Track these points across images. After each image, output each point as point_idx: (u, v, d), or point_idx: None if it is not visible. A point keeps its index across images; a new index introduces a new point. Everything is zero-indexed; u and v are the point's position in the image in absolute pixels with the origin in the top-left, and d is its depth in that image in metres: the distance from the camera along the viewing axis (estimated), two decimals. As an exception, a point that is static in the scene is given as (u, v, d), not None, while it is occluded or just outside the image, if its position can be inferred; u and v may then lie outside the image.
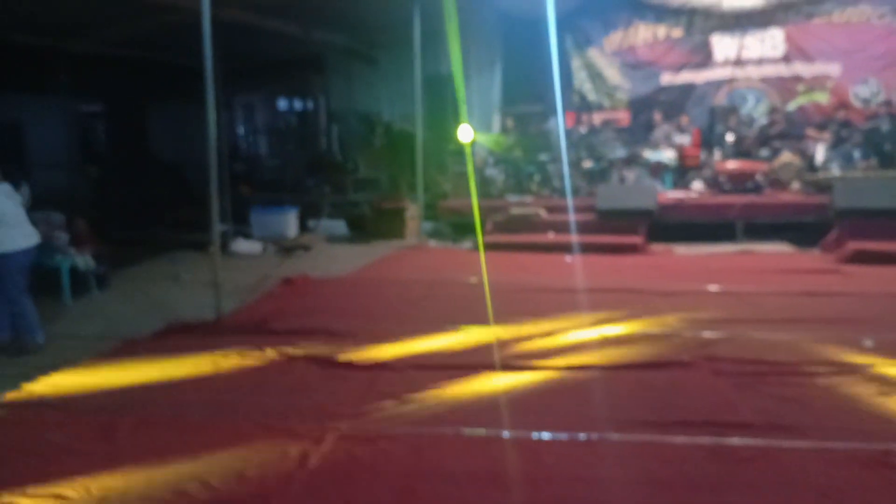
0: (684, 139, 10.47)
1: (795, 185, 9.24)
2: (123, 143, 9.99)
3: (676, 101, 11.40)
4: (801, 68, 10.81)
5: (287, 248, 9.11)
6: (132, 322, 5.71)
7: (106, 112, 10.99)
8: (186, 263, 8.27)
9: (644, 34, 11.55)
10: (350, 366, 4.39)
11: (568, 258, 7.92)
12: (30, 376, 4.39)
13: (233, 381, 4.23)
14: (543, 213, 9.22)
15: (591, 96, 11.90)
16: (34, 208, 5.78)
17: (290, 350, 4.69)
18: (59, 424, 3.63)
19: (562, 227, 8.75)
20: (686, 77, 11.41)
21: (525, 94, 11.68)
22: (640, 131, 11.18)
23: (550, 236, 8.73)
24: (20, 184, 5.52)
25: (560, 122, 10.23)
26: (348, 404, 3.78)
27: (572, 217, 8.90)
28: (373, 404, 3.76)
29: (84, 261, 6.64)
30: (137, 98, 10.25)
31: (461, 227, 9.73)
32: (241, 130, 15.44)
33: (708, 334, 4.78)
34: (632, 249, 8.19)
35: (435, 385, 4.03)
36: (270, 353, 4.65)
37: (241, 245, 9.12)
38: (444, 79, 11.57)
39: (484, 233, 9.10)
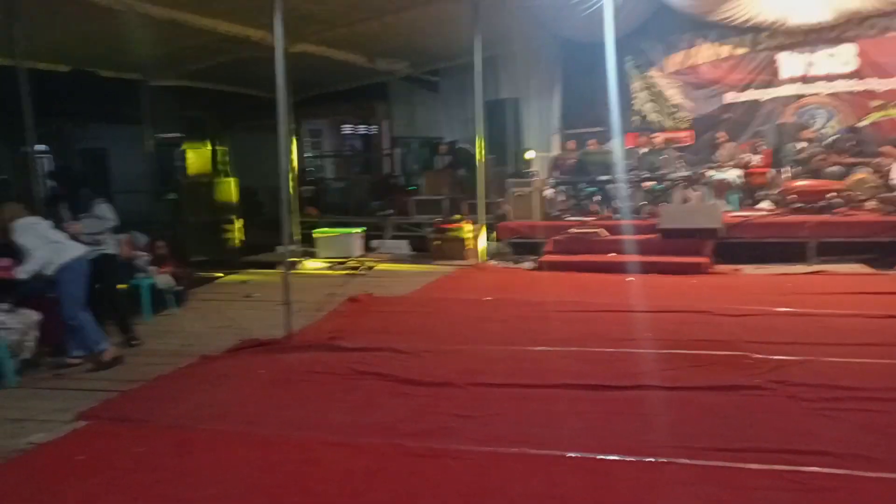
0: (754, 158, 10.22)
1: (871, 203, 8.86)
2: (200, 169, 10.49)
3: (741, 120, 11.16)
4: (875, 84, 10.40)
5: (352, 268, 9.34)
6: (207, 339, 5.97)
7: (185, 140, 11.60)
8: (257, 283, 8.60)
9: (706, 53, 11.38)
10: (414, 383, 4.46)
11: (629, 278, 7.82)
12: (108, 391, 4.67)
13: (301, 397, 4.38)
14: (604, 233, 9.15)
15: (652, 116, 11.79)
16: (119, 230, 6.16)
17: (357, 367, 4.81)
18: (136, 438, 3.81)
19: (623, 248, 8.66)
20: (751, 95, 11.16)
21: (584, 116, 11.68)
22: (703, 150, 10.99)
23: (611, 256, 8.65)
24: (91, 205, 5.85)
25: (617, 143, 10.17)
26: (412, 421, 3.85)
27: (634, 237, 8.81)
28: (436, 421, 3.82)
29: (164, 280, 7.01)
30: (213, 127, 10.78)
31: (521, 248, 9.76)
32: (308, 155, 15.96)
33: (780, 357, 4.63)
34: (696, 270, 8.02)
35: (499, 403, 4.07)
36: (338, 370, 4.78)
37: (309, 265, 9.41)
38: (504, 103, 11.70)
39: (544, 253, 9.11)
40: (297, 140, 14.65)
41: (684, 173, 9.99)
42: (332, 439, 3.63)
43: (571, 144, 11.44)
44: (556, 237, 9.32)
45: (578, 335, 5.45)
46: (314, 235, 10.57)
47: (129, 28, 7.45)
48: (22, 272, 4.90)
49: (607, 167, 10.18)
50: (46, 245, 4.96)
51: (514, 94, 12.12)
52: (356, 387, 4.49)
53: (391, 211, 11.95)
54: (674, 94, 11.67)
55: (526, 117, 12.22)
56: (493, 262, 9.49)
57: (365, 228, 10.89)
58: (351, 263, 9.55)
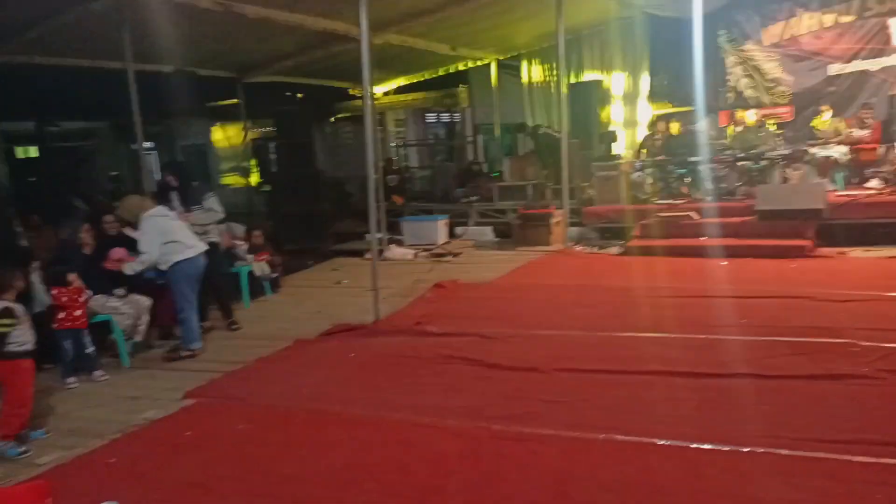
0: (862, 134, 9.54)
1: None
2: (292, 161, 10.90)
3: (847, 93, 10.42)
4: None
5: (437, 255, 9.47)
6: (301, 323, 6.23)
7: (277, 133, 12.09)
8: (346, 270, 8.87)
9: (808, 23, 10.69)
10: (500, 367, 4.50)
11: (723, 263, 7.51)
12: (214, 371, 4.97)
13: (391, 380, 4.51)
14: (695, 216, 8.82)
15: (748, 92, 11.22)
16: (221, 221, 6.50)
17: (444, 351, 4.90)
18: (239, 415, 4.06)
19: (716, 231, 8.32)
20: (859, 66, 10.38)
21: (674, 95, 11.26)
22: (804, 127, 10.35)
23: (704, 240, 8.32)
24: (202, 198, 6.16)
25: (710, 121, 9.74)
26: (499, 405, 3.89)
27: (728, 220, 8.43)
28: (523, 406, 3.84)
29: (260, 268, 7.36)
30: (305, 119, 11.15)
31: (607, 232, 9.57)
32: (393, 144, 16.24)
33: (890, 345, 4.34)
34: (797, 253, 7.59)
35: (586, 389, 4.04)
36: (426, 354, 4.89)
37: (395, 252, 9.61)
38: (589, 85, 11.45)
39: (631, 237, 8.89)
40: (384, 129, 14.97)
41: (784, 151, 9.45)
42: (422, 421, 3.72)
43: (661, 125, 11.06)
44: (644, 221, 9.06)
45: (670, 321, 5.30)
46: (400, 223, 10.79)
47: (225, 28, 7.83)
48: (129, 269, 5.26)
49: (699, 147, 9.78)
50: (163, 244, 5.20)
51: (599, 76, 11.84)
52: (444, 371, 4.58)
53: (475, 197, 11.99)
54: (772, 67, 11.04)
55: (612, 99, 11.92)
56: (578, 248, 9.35)
57: (449, 216, 10.99)
58: (436, 251, 9.67)
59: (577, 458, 3.19)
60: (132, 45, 6.18)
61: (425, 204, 12.74)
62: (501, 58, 13.01)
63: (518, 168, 11.92)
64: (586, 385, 4.11)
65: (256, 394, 4.44)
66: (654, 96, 11.84)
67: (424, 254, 9.60)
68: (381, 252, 8.84)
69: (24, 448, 3.74)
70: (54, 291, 4.82)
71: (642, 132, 11.63)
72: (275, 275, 7.67)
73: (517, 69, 13.31)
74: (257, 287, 7.40)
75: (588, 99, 11.22)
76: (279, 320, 6.51)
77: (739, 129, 10.31)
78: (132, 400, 4.53)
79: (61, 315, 4.83)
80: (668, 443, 3.25)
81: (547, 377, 4.29)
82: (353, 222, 12.38)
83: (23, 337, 3.93)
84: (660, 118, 11.19)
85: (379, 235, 8.44)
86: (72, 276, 4.89)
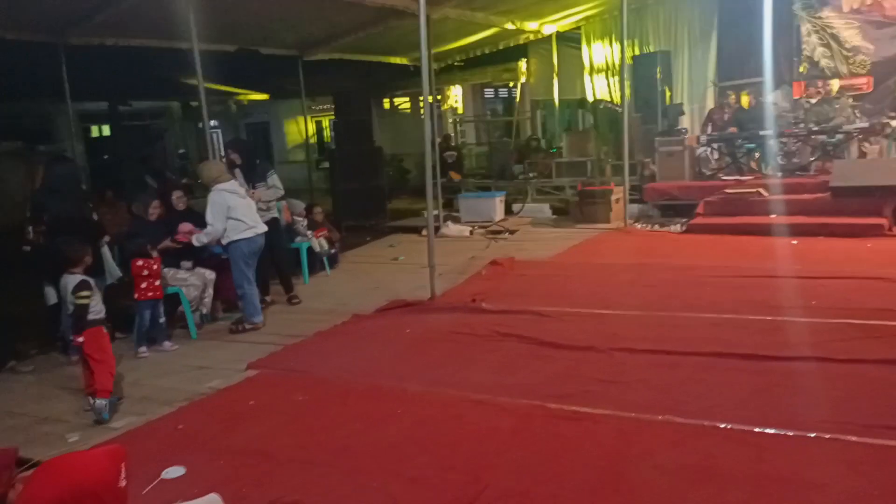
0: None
1: None
2: (351, 138, 11.01)
3: (936, 61, 9.72)
4: None
5: (493, 232, 9.43)
6: (358, 299, 6.33)
7: (335, 110, 12.21)
8: (403, 246, 8.95)
9: (895, -15, 9.98)
10: (556, 346, 4.46)
11: (794, 242, 7.20)
12: (274, 344, 5.12)
13: (447, 357, 4.53)
14: (764, 193, 8.46)
15: (824, 62, 10.58)
16: (281, 198, 6.64)
17: (499, 328, 4.89)
18: (298, 387, 4.17)
19: (787, 209, 7.97)
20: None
21: (743, 66, 10.76)
22: (885, 98, 9.73)
23: (773, 218, 7.99)
24: (265, 175, 6.29)
25: (782, 93, 9.27)
26: (554, 383, 3.86)
27: (799, 196, 8.06)
28: (578, 385, 3.80)
29: (319, 244, 7.50)
30: (363, 96, 11.22)
31: (670, 210, 9.30)
32: (450, 120, 16.18)
33: (975, 331, 4.08)
34: (873, 232, 7.20)
35: (644, 370, 3.97)
36: (481, 331, 4.89)
37: (451, 229, 9.62)
38: (652, 57, 11.07)
39: (695, 215, 8.62)
40: (440, 106, 14.92)
41: (861, 124, 8.92)
42: (475, 398, 3.74)
43: (730, 98, 10.61)
44: (709, 198, 8.76)
45: (734, 302, 5.13)
46: (457, 200, 10.78)
47: (286, 6, 7.91)
48: (196, 240, 5.46)
49: (769, 120, 9.34)
50: (226, 220, 5.38)
51: (663, 47, 11.42)
52: (498, 348, 4.58)
53: (533, 174, 11.85)
54: (851, 35, 10.38)
55: (676, 70, 11.50)
56: (638, 226, 9.13)
57: (506, 192, 10.91)
58: (493, 227, 9.63)
59: (634, 440, 3.14)
60: (196, 26, 6.32)
61: (482, 181, 12.69)
62: (561, 30, 12.72)
63: (577, 144, 11.71)
64: (644, 365, 4.04)
65: (314, 367, 4.56)
66: (722, 67, 11.35)
67: (481, 231, 9.58)
68: (437, 229, 8.87)
69: (105, 414, 3.95)
70: (139, 262, 5.02)
71: (709, 105, 11.19)
72: (333, 251, 7.81)
73: (578, 42, 12.98)
74: (316, 262, 7.55)
75: (651, 71, 10.85)
76: (337, 295, 6.64)
77: (814, 100, 9.78)
78: (198, 370, 4.73)
79: (143, 285, 5.03)
80: (730, 426, 3.16)
81: (603, 356, 4.23)
82: (410, 199, 12.47)
83: (97, 306, 4.15)
84: (728, 90, 10.74)
85: (435, 212, 8.47)
86: (151, 249, 5.11)
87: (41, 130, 15.27)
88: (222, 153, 16.47)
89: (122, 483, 2.32)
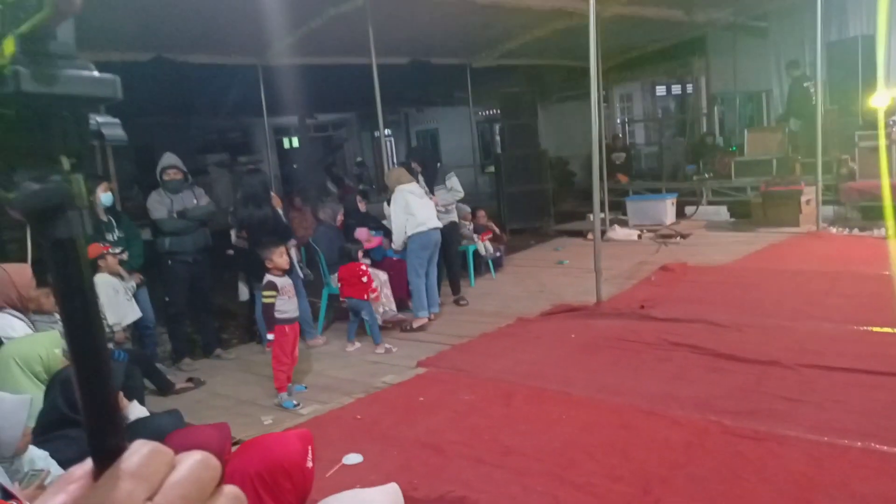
0: None
1: None
2: (516, 142, 11.11)
3: None
4: None
5: (663, 236, 9.01)
6: (523, 302, 6.37)
7: (501, 115, 12.39)
8: (568, 250, 8.85)
9: None
10: (734, 358, 4.18)
11: None
12: (443, 343, 5.31)
13: (613, 364, 4.42)
14: None
15: None
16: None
17: (670, 337, 4.68)
18: (465, 386, 4.29)
19: None
20: None
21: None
22: None
23: None
24: (444, 179, 6.56)
25: None
26: (733, 399, 3.62)
27: None
28: (760, 402, 3.53)
29: (484, 247, 7.65)
30: (528, 100, 11.28)
31: (871, 212, 8.28)
32: (618, 120, 15.72)
33: None
34: None
35: (838, 389, 3.58)
36: (649, 339, 4.71)
37: (618, 232, 9.34)
38: (852, 42, 9.93)
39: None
40: (608, 105, 14.54)
41: None
42: (645, 408, 3.61)
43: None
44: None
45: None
46: (625, 203, 10.45)
47: (456, 16, 8.18)
48: (393, 246, 5.90)
49: None
50: (406, 216, 5.79)
51: (865, 31, 10.19)
52: (668, 358, 4.38)
53: (708, 174, 11.15)
54: None
55: (882, 56, 10.20)
56: (833, 230, 8.25)
57: (678, 194, 10.37)
58: (663, 231, 9.20)
59: (827, 466, 2.85)
60: (373, 41, 6.75)
61: (652, 182, 12.17)
62: (744, 18, 11.80)
63: (760, 140, 10.81)
64: (839, 385, 3.65)
65: (480, 367, 4.66)
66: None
67: (650, 234, 9.20)
68: (603, 232, 8.66)
69: (297, 402, 4.36)
70: (362, 268, 5.51)
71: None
72: (498, 254, 7.92)
73: (763, 31, 11.98)
74: (481, 265, 7.71)
75: (851, 58, 9.74)
76: (501, 298, 6.73)
77: None
78: (374, 364, 5.04)
79: (359, 288, 5.44)
80: (947, 460, 2.77)
81: (791, 373, 3.88)
82: (576, 202, 12.28)
83: (284, 306, 4.51)
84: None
85: (602, 215, 8.27)
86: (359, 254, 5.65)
87: (242, 143, 17.13)
88: (394, 160, 17.38)
89: (309, 464, 2.56)
